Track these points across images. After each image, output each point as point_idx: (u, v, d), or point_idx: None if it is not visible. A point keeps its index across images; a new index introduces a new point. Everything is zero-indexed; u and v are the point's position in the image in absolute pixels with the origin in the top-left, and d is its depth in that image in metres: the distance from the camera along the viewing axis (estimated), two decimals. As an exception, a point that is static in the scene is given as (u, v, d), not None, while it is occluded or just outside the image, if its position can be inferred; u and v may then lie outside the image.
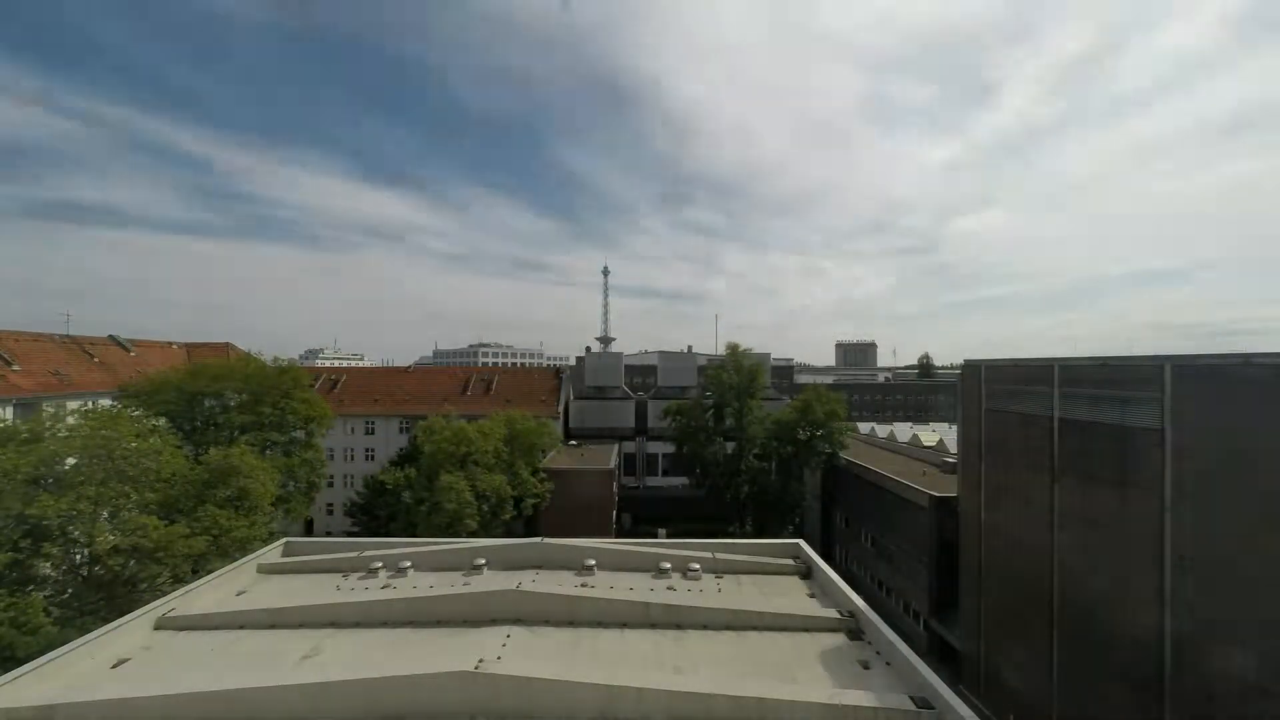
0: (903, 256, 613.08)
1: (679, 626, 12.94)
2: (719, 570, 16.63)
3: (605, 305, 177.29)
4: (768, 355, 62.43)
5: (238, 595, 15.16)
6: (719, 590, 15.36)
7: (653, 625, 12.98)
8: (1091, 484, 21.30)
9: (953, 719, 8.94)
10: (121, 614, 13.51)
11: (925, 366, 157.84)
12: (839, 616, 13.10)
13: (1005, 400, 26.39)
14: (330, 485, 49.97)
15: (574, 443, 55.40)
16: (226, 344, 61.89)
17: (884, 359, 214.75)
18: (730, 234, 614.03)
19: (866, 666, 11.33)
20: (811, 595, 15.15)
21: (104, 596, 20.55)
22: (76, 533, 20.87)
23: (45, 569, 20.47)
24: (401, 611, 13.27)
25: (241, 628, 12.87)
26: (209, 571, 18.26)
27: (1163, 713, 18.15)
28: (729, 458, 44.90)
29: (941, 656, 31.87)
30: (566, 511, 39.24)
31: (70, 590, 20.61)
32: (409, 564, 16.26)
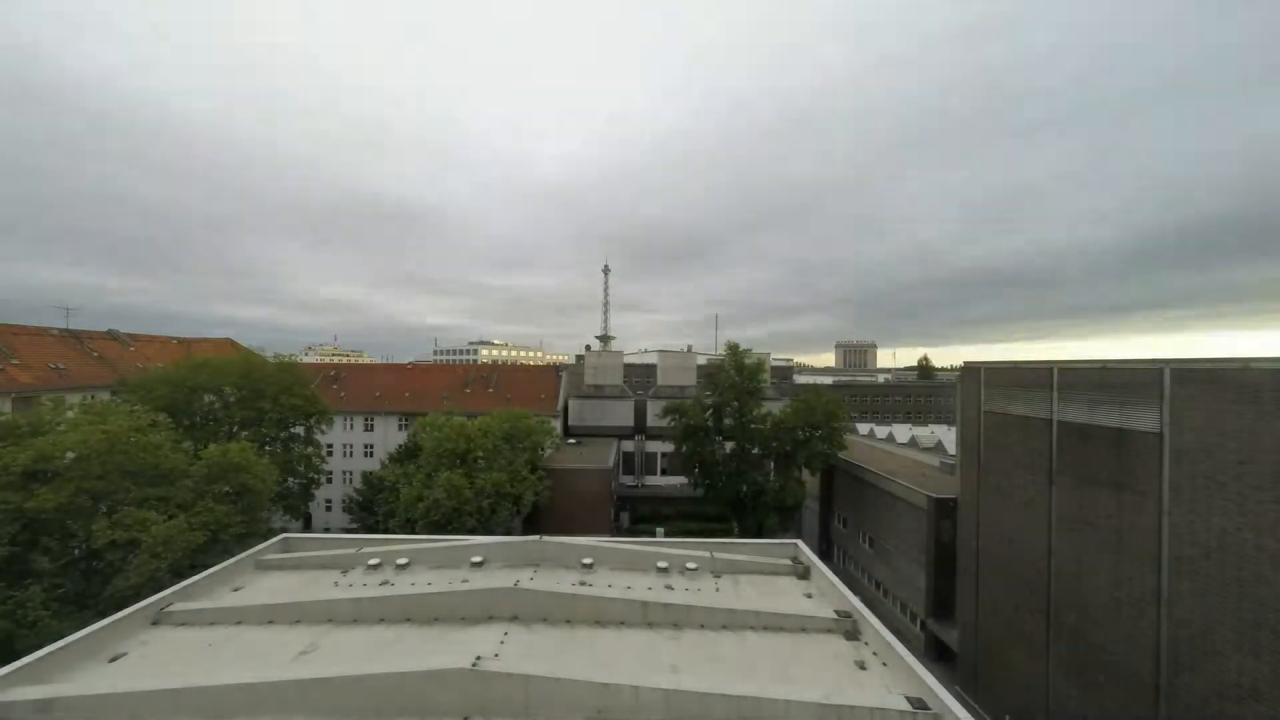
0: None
1: (676, 626, 12.96)
2: (717, 570, 16.64)
3: (606, 303, 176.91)
4: (768, 355, 62.42)
5: (235, 591, 15.18)
6: (716, 590, 15.38)
7: (650, 624, 13.00)
8: (1089, 487, 21.33)
9: (948, 720, 8.96)
10: (119, 609, 13.52)
11: (925, 368, 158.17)
12: (836, 617, 13.11)
13: (1004, 402, 26.43)
14: (329, 481, 49.88)
15: (573, 441, 55.35)
16: (227, 339, 61.99)
17: (883, 360, 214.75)
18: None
19: (863, 667, 11.35)
20: (809, 595, 15.16)
21: (102, 591, 20.54)
22: (75, 526, 20.87)
23: (43, 563, 20.47)
24: (399, 608, 13.27)
25: (239, 623, 12.89)
26: (207, 567, 18.27)
27: (1158, 714, 18.21)
28: (728, 457, 44.87)
29: (938, 657, 31.96)
30: (565, 510, 39.22)
31: (68, 584, 20.61)
32: (407, 561, 16.28)
